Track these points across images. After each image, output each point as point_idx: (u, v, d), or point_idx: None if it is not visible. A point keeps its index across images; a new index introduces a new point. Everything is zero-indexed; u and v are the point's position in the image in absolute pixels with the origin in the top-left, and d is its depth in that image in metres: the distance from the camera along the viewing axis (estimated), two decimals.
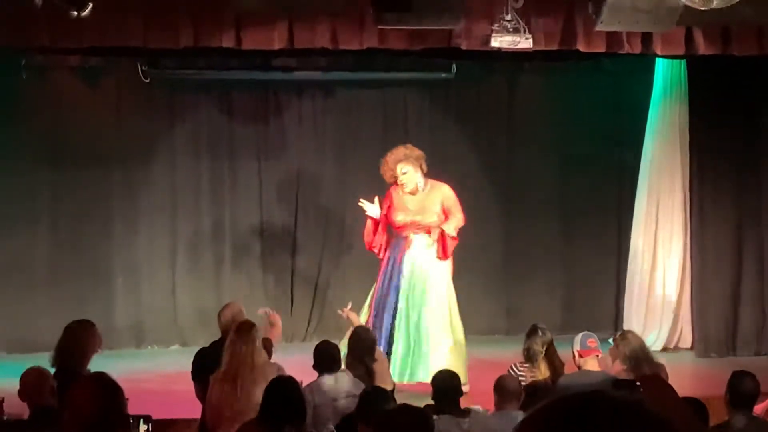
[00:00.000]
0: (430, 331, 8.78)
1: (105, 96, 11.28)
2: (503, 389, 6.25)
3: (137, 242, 11.32)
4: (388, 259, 8.98)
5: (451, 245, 8.95)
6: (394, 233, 9.08)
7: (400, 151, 8.93)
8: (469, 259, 10.27)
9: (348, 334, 7.90)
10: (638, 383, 4.77)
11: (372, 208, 9.05)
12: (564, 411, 1.28)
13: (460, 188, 10.75)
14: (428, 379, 8.42)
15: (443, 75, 11.50)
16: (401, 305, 8.83)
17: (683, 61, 10.60)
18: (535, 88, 11.96)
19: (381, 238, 9.09)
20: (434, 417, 5.11)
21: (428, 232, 8.93)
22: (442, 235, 8.89)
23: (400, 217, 8.91)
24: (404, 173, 8.85)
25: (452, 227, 8.91)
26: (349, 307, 8.57)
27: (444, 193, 9.02)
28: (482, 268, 11.64)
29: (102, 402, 3.52)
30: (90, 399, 3.52)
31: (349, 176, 11.51)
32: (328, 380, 6.70)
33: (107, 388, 3.61)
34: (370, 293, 9.05)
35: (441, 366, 8.26)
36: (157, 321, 11.31)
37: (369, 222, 9.11)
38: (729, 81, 10.39)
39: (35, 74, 10.92)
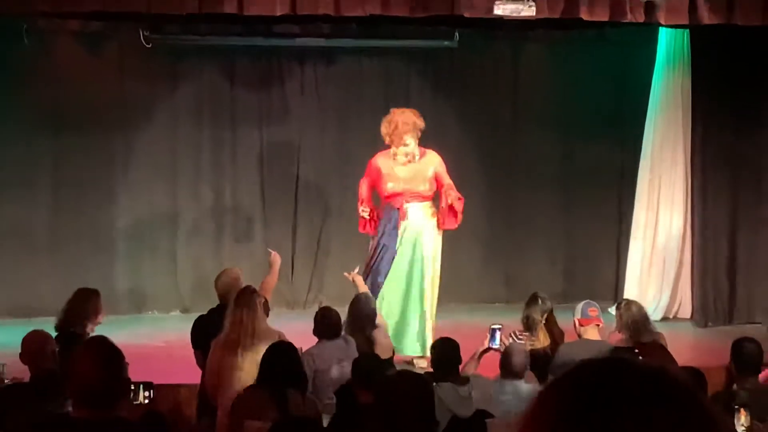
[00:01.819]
0: (425, 304, 8.69)
1: (106, 61, 11.24)
2: (510, 365, 6.21)
3: (138, 208, 11.31)
4: (381, 234, 8.66)
5: (460, 207, 8.58)
6: (383, 205, 8.78)
7: (411, 119, 8.56)
8: (470, 228, 10.25)
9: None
10: (637, 350, 4.79)
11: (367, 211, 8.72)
12: (587, 379, 1.25)
13: (462, 156, 10.82)
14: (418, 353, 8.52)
15: (446, 43, 11.42)
16: (401, 274, 8.64)
17: (686, 31, 10.55)
18: (539, 58, 11.91)
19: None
20: (434, 384, 5.12)
21: (422, 199, 8.65)
22: (450, 206, 8.53)
23: (390, 185, 8.61)
24: (407, 145, 8.55)
25: (454, 193, 8.57)
26: (357, 270, 8.43)
27: (435, 160, 8.71)
28: (483, 236, 11.64)
29: (103, 367, 3.53)
30: (91, 364, 3.54)
31: (350, 144, 11.47)
32: (328, 346, 6.71)
33: (108, 352, 3.63)
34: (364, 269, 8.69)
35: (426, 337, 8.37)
36: (158, 287, 11.33)
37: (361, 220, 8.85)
38: (732, 51, 10.35)
39: (37, 40, 10.86)
